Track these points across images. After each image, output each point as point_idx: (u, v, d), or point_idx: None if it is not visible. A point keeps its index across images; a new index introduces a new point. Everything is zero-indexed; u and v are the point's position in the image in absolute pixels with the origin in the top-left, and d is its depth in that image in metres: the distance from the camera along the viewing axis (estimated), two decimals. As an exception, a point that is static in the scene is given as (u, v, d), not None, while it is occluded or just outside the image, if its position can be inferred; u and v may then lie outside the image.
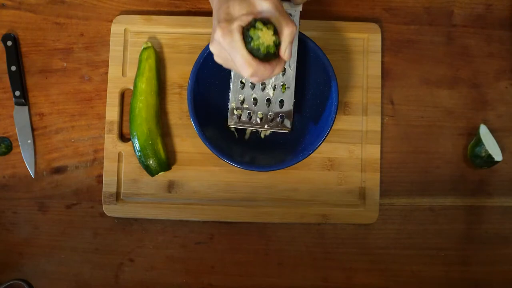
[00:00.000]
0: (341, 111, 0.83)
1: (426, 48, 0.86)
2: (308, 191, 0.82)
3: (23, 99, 0.83)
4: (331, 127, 0.76)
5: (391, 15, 0.87)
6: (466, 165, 0.85)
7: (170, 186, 0.82)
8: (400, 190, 0.84)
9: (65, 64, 0.84)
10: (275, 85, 0.76)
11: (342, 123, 0.83)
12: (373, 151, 0.83)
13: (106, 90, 0.83)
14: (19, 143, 0.83)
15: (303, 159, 0.76)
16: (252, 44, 0.59)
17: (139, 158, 0.80)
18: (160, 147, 0.80)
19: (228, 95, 0.76)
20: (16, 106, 0.83)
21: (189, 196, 0.82)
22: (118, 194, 0.82)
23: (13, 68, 0.82)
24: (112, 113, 0.82)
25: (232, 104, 0.76)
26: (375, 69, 0.84)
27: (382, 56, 0.85)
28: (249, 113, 0.76)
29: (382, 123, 0.84)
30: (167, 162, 0.81)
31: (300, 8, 0.73)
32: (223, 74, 0.78)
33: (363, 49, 0.85)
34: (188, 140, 0.83)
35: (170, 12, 0.85)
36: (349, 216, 0.82)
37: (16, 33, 0.84)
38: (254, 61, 0.59)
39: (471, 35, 0.87)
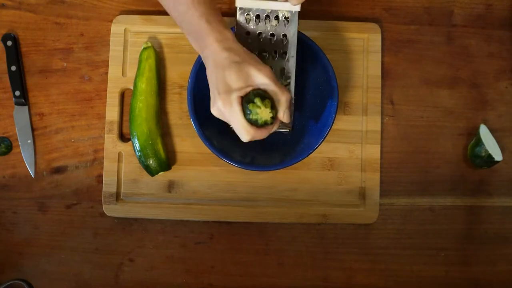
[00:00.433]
0: (341, 111, 0.83)
1: (426, 48, 0.86)
2: (308, 191, 0.82)
3: (23, 99, 0.83)
4: (331, 126, 0.76)
5: (391, 15, 0.87)
6: (466, 165, 0.85)
7: (170, 186, 0.82)
8: (400, 190, 0.84)
9: (65, 64, 0.84)
10: None
11: (342, 123, 0.83)
12: (373, 151, 0.83)
13: (106, 90, 0.83)
14: (19, 143, 0.83)
15: (303, 159, 0.76)
16: (251, 116, 0.65)
17: (139, 158, 0.80)
18: (160, 147, 0.80)
19: None
20: (16, 106, 0.83)
21: (189, 196, 0.82)
22: (118, 194, 0.82)
23: (13, 68, 0.82)
24: (112, 113, 0.82)
25: None
26: (375, 69, 0.84)
27: (382, 56, 0.85)
28: None
29: (382, 123, 0.84)
30: (167, 162, 0.81)
31: (298, 8, 0.72)
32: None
33: (363, 49, 0.85)
34: (188, 140, 0.83)
35: (170, 12, 0.85)
36: (349, 216, 0.82)
37: (16, 33, 0.84)
38: (252, 129, 0.66)
39: (471, 35, 0.87)
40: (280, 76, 0.75)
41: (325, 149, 0.83)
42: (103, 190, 0.81)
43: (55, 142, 0.83)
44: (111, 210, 0.81)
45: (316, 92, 0.79)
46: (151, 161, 0.79)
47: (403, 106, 0.85)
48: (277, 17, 0.73)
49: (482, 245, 0.84)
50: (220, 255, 0.82)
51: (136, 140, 0.79)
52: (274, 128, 0.69)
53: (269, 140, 0.81)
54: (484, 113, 0.86)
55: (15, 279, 0.78)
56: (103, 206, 0.81)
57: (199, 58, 0.77)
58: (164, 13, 0.85)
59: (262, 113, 0.65)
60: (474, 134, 0.85)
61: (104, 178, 0.81)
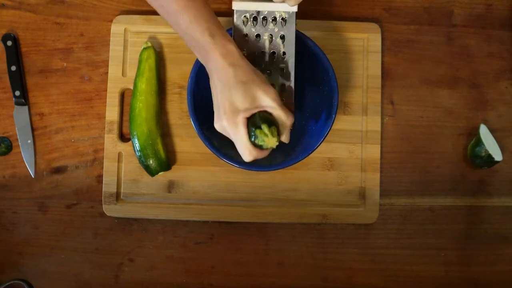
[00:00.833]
0: (341, 111, 0.83)
1: (426, 48, 0.86)
2: (308, 191, 0.82)
3: (23, 99, 0.83)
4: (331, 126, 0.76)
5: (391, 15, 0.87)
6: (466, 165, 0.85)
7: (170, 186, 0.82)
8: (400, 190, 0.84)
9: (65, 64, 0.84)
10: (274, 86, 0.76)
11: (342, 123, 0.83)
12: (373, 151, 0.83)
13: (106, 90, 0.83)
14: (19, 143, 0.83)
15: (303, 159, 0.76)
16: (256, 141, 0.66)
17: (139, 158, 0.80)
18: (160, 147, 0.80)
19: None
20: (16, 106, 0.83)
21: (189, 196, 0.82)
22: (118, 194, 0.82)
23: (13, 68, 0.82)
24: (112, 113, 0.82)
25: None
26: (375, 69, 0.84)
27: (382, 56, 0.85)
28: None
29: (382, 123, 0.84)
30: (167, 162, 0.81)
31: (295, 9, 0.72)
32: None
33: (363, 49, 0.85)
34: (188, 140, 0.83)
35: (170, 12, 0.85)
36: (349, 216, 0.82)
37: (16, 33, 0.84)
38: (255, 151, 0.67)
39: (471, 35, 0.87)
40: (280, 76, 0.75)
41: (325, 149, 0.83)
42: (103, 190, 0.81)
43: (55, 142, 0.83)
44: (111, 210, 0.81)
45: (316, 92, 0.79)
46: (151, 161, 0.79)
47: (403, 106, 0.85)
48: (274, 18, 0.73)
49: (482, 245, 0.84)
50: (220, 255, 0.82)
51: (136, 140, 0.79)
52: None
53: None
54: (484, 113, 0.86)
55: (15, 279, 0.78)
56: (103, 206, 0.81)
57: (199, 58, 0.77)
58: (164, 13, 0.85)
59: (269, 141, 0.66)
60: (474, 134, 0.85)
61: (104, 178, 0.81)
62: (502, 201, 0.85)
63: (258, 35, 0.74)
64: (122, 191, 0.82)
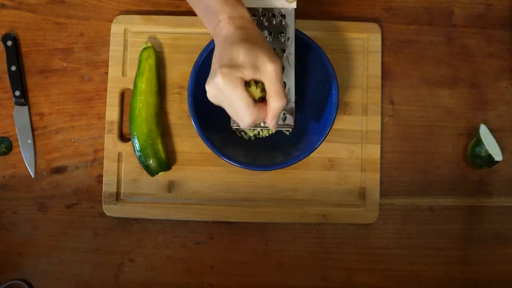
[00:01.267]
0: (341, 111, 0.83)
1: (426, 48, 0.86)
2: (308, 191, 0.82)
3: (23, 99, 0.83)
4: (332, 125, 0.76)
5: (391, 15, 0.87)
6: (466, 165, 0.85)
7: (170, 186, 0.82)
8: (400, 190, 0.84)
9: (65, 64, 0.84)
10: None
11: (342, 123, 0.83)
12: (373, 151, 0.83)
13: (106, 90, 0.83)
14: (19, 143, 0.83)
15: (303, 159, 0.76)
16: None
17: (139, 158, 0.80)
18: (160, 147, 0.80)
19: None
20: (16, 106, 0.83)
21: (189, 196, 0.82)
22: (118, 194, 0.82)
23: (13, 68, 0.82)
24: (112, 113, 0.82)
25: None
26: (375, 69, 0.84)
27: (382, 56, 0.85)
28: None
29: (382, 123, 0.84)
30: (167, 162, 0.81)
31: (294, 5, 0.72)
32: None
33: (363, 49, 0.85)
34: (188, 140, 0.83)
35: (170, 12, 0.85)
36: (349, 216, 0.82)
37: (16, 33, 0.84)
38: (256, 110, 0.60)
39: (471, 35, 0.87)
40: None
41: (325, 149, 0.83)
42: (103, 190, 0.81)
43: (55, 142, 0.83)
44: (111, 210, 0.81)
45: (316, 92, 0.79)
46: (151, 161, 0.79)
47: (403, 106, 0.85)
48: (273, 15, 0.73)
49: (482, 245, 0.84)
50: (220, 255, 0.82)
51: (136, 140, 0.79)
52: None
53: (269, 140, 0.82)
54: (484, 113, 0.86)
55: (15, 279, 0.78)
56: (103, 206, 0.81)
57: (199, 58, 0.76)
58: (164, 13, 0.85)
59: (253, 92, 0.61)
60: (474, 134, 0.85)
61: (104, 178, 0.81)
62: (502, 201, 0.85)
63: None
64: (122, 191, 0.82)
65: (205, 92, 0.77)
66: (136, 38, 0.84)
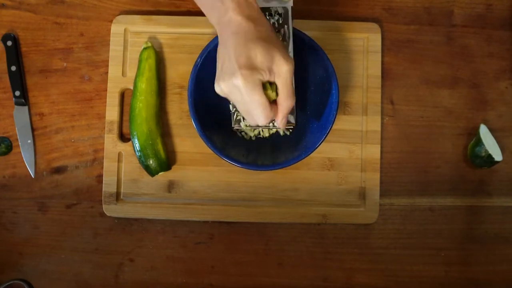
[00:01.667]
0: (341, 111, 0.83)
1: (426, 48, 0.86)
2: (308, 191, 0.82)
3: (23, 99, 0.83)
4: (332, 125, 0.76)
5: (391, 15, 0.87)
6: (466, 165, 0.85)
7: (170, 186, 0.82)
8: (400, 190, 0.84)
9: (65, 64, 0.84)
10: None
11: (342, 123, 0.83)
12: (373, 151, 0.83)
13: (106, 90, 0.83)
14: (19, 143, 0.83)
15: (303, 158, 0.76)
16: None
17: (139, 158, 0.80)
18: (160, 147, 0.80)
19: (230, 109, 0.76)
20: (16, 106, 0.83)
21: (189, 196, 0.82)
22: (118, 194, 0.82)
23: (13, 68, 0.82)
24: (112, 113, 0.82)
25: (235, 107, 0.75)
26: (375, 69, 0.84)
27: (382, 56, 0.85)
28: None
29: (382, 123, 0.84)
30: (167, 162, 0.81)
31: (291, 3, 0.72)
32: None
33: (363, 49, 0.85)
34: (188, 140, 0.83)
35: (170, 12, 0.85)
36: (349, 216, 0.82)
37: (16, 33, 0.84)
38: (271, 112, 0.61)
39: (471, 35, 0.87)
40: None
41: (325, 149, 0.83)
42: (103, 190, 0.81)
43: (55, 142, 0.83)
44: (111, 210, 0.81)
45: (316, 91, 0.79)
46: (151, 161, 0.79)
47: (403, 106, 0.85)
48: (270, 14, 0.73)
49: (482, 245, 0.84)
50: (220, 255, 0.82)
51: (136, 140, 0.79)
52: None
53: (269, 140, 0.81)
54: (484, 113, 0.86)
55: (15, 279, 0.78)
56: (103, 206, 0.81)
57: (199, 58, 0.76)
58: (164, 13, 0.85)
59: (268, 94, 0.62)
60: (474, 134, 0.85)
61: (104, 178, 0.81)
62: (502, 201, 0.85)
63: None
64: (122, 191, 0.82)
65: (205, 92, 0.77)
66: (136, 38, 0.84)
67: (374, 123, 0.83)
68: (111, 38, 0.83)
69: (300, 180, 0.82)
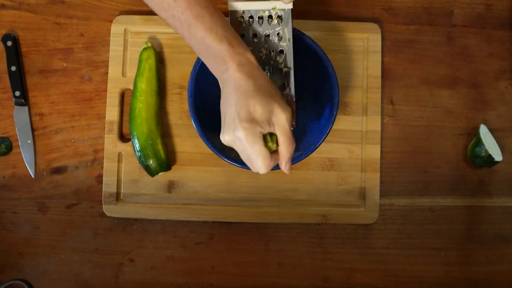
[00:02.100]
0: (341, 111, 0.83)
1: (426, 48, 0.86)
2: (308, 191, 0.82)
3: (23, 99, 0.83)
4: (332, 125, 0.76)
5: (391, 15, 0.87)
6: (466, 165, 0.85)
7: (170, 186, 0.82)
8: (400, 190, 0.84)
9: (65, 64, 0.84)
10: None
11: (342, 123, 0.83)
12: (373, 151, 0.83)
13: (106, 90, 0.83)
14: (19, 143, 0.83)
15: (303, 159, 0.76)
16: None
17: (139, 158, 0.80)
18: (160, 147, 0.80)
19: None
20: (16, 106, 0.83)
21: (189, 196, 0.82)
22: (118, 194, 0.82)
23: (13, 68, 0.82)
24: (112, 113, 0.82)
25: None
26: (375, 69, 0.84)
27: (382, 56, 0.85)
28: None
29: (382, 123, 0.84)
30: (167, 162, 0.81)
31: (290, 6, 0.72)
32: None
33: (363, 49, 0.85)
34: (188, 140, 0.83)
35: (170, 12, 0.85)
36: (349, 216, 0.82)
37: (16, 33, 0.84)
38: (272, 162, 0.64)
39: (471, 35, 0.87)
40: (279, 75, 0.75)
41: (325, 149, 0.83)
42: (103, 190, 0.81)
43: (55, 142, 0.83)
44: (111, 210, 0.81)
45: (316, 92, 0.79)
46: (151, 161, 0.79)
47: (403, 106, 0.85)
48: (270, 17, 0.73)
49: (482, 245, 0.84)
50: (220, 255, 0.82)
51: (136, 140, 0.79)
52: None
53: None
54: (484, 113, 0.86)
55: (15, 279, 0.78)
56: (103, 206, 0.81)
57: (199, 58, 0.76)
58: (164, 13, 0.85)
59: (269, 146, 0.65)
60: (474, 134, 0.85)
61: (104, 178, 0.81)
62: (502, 201, 0.85)
63: (255, 35, 0.74)
64: (122, 191, 0.82)
65: (205, 92, 0.77)
66: (136, 38, 0.84)
67: (374, 123, 0.83)
68: (111, 38, 0.83)
69: (300, 180, 0.82)
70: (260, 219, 0.82)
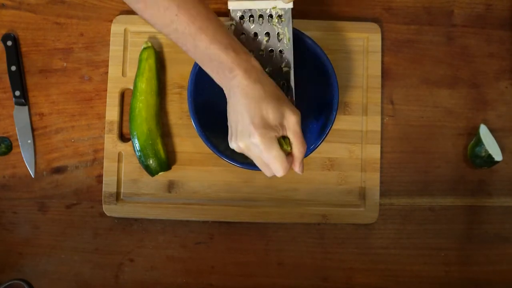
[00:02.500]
0: (341, 111, 0.83)
1: (426, 48, 0.86)
2: (308, 191, 0.82)
3: (23, 99, 0.83)
4: (332, 125, 0.76)
5: (391, 15, 0.87)
6: (466, 165, 0.85)
7: (170, 186, 0.82)
8: (400, 190, 0.84)
9: (65, 64, 0.84)
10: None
11: (342, 123, 0.83)
12: (373, 151, 0.83)
13: (106, 90, 0.83)
14: (19, 143, 0.83)
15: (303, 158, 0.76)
16: None
17: (139, 158, 0.80)
18: (160, 147, 0.80)
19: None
20: (16, 106, 0.83)
21: (189, 196, 0.82)
22: (118, 194, 0.82)
23: (13, 68, 0.82)
24: (112, 113, 0.82)
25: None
26: (375, 69, 0.84)
27: (382, 56, 0.85)
28: None
29: (382, 123, 0.84)
30: (167, 162, 0.81)
31: (290, 5, 0.72)
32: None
33: (363, 49, 0.85)
34: (188, 140, 0.83)
35: (170, 12, 0.85)
36: (349, 216, 0.82)
37: (16, 33, 0.84)
38: (288, 164, 0.65)
39: (471, 35, 0.87)
40: (279, 75, 0.75)
41: (325, 149, 0.83)
42: (103, 190, 0.81)
43: (55, 142, 0.83)
44: (111, 210, 0.81)
45: (316, 92, 0.79)
46: (151, 161, 0.79)
47: (403, 106, 0.85)
48: (270, 16, 0.73)
49: (482, 245, 0.84)
50: (220, 255, 0.82)
51: (136, 140, 0.79)
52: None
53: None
54: (484, 113, 0.86)
55: (15, 279, 0.78)
56: (103, 206, 0.81)
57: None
58: (164, 13, 0.85)
59: (283, 149, 0.66)
60: (474, 134, 0.85)
61: (104, 178, 0.81)
62: (502, 201, 0.85)
63: (255, 34, 0.74)
64: (122, 191, 0.82)
65: (204, 92, 0.77)
66: (136, 38, 0.84)
67: (374, 123, 0.83)
68: (111, 38, 0.83)
69: (300, 180, 0.82)
70: (260, 219, 0.82)
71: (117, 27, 0.83)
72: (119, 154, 0.82)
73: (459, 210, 0.84)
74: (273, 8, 0.72)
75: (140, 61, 0.81)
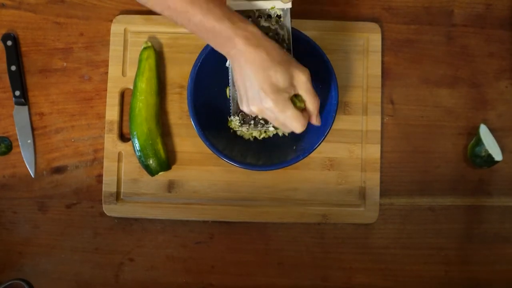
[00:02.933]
0: (341, 111, 0.83)
1: (426, 48, 0.86)
2: (308, 190, 0.82)
3: (23, 99, 0.83)
4: (332, 125, 0.76)
5: (391, 15, 0.87)
6: (466, 165, 0.85)
7: (170, 186, 0.82)
8: (400, 190, 0.84)
9: (65, 64, 0.84)
10: None
11: (342, 123, 0.83)
12: (373, 151, 0.83)
13: (106, 90, 0.83)
14: (19, 143, 0.83)
15: (303, 158, 0.76)
16: None
17: (139, 158, 0.80)
18: (160, 146, 0.80)
19: (229, 99, 0.76)
20: (16, 106, 0.83)
21: (189, 196, 0.82)
22: (118, 193, 0.82)
23: (13, 68, 0.82)
24: (112, 112, 0.82)
25: (235, 107, 0.75)
26: (375, 69, 0.84)
27: (382, 56, 0.85)
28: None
29: (382, 123, 0.84)
30: (167, 162, 0.81)
31: (289, 5, 0.72)
32: (223, 74, 0.78)
33: (363, 49, 0.85)
34: (188, 140, 0.83)
35: (170, 12, 0.85)
36: (349, 216, 0.82)
37: (16, 33, 0.84)
38: (305, 120, 0.67)
39: (471, 35, 0.87)
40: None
41: (325, 149, 0.83)
42: (103, 190, 0.81)
43: (55, 141, 0.83)
44: (111, 210, 0.81)
45: (316, 91, 0.79)
46: (151, 161, 0.79)
47: (403, 106, 0.85)
48: (269, 16, 0.73)
49: (482, 245, 0.84)
50: (220, 255, 0.82)
51: (136, 140, 0.79)
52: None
53: (269, 140, 0.81)
54: (484, 113, 0.86)
55: (15, 279, 0.78)
56: (103, 206, 0.81)
57: (199, 58, 0.76)
58: (164, 13, 0.85)
59: (296, 105, 0.67)
60: (474, 134, 0.85)
61: (104, 178, 0.81)
62: (502, 201, 0.85)
63: None
64: (122, 191, 0.82)
65: (204, 92, 0.77)
66: (136, 38, 0.84)
67: (374, 123, 0.83)
68: (111, 38, 0.83)
69: (300, 180, 0.82)
70: (260, 219, 0.82)
71: (117, 27, 0.83)
72: (119, 154, 0.82)
73: (459, 210, 0.84)
74: (272, 8, 0.72)
75: (140, 61, 0.81)
